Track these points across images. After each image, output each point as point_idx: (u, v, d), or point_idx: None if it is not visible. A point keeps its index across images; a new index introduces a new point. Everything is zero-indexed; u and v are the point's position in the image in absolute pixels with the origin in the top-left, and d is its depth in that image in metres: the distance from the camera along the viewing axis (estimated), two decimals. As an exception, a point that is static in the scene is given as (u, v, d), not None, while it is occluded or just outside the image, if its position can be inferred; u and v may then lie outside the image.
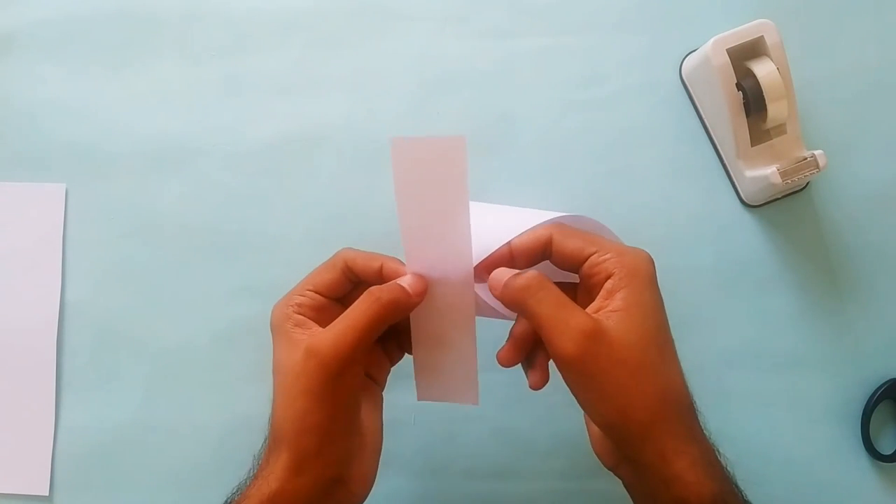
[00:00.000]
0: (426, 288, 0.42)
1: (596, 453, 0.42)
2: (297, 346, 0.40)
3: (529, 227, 0.42)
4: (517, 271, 0.41)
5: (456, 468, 0.53)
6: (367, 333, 0.40)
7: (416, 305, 0.42)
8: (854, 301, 0.53)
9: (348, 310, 0.40)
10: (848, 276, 0.53)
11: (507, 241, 0.42)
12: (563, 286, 0.44)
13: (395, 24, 0.55)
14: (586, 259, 0.40)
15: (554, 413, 0.53)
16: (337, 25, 0.55)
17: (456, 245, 0.40)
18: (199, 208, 0.54)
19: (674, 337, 0.40)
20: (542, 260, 0.42)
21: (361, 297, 0.40)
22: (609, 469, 0.42)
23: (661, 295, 0.40)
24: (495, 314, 0.44)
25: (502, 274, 0.41)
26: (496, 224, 0.43)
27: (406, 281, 0.41)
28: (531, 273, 0.40)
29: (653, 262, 0.40)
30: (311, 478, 0.39)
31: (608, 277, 0.39)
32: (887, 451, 0.52)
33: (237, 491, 0.41)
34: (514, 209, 0.46)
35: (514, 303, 0.40)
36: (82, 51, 0.56)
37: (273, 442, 0.41)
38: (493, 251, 0.42)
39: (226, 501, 0.41)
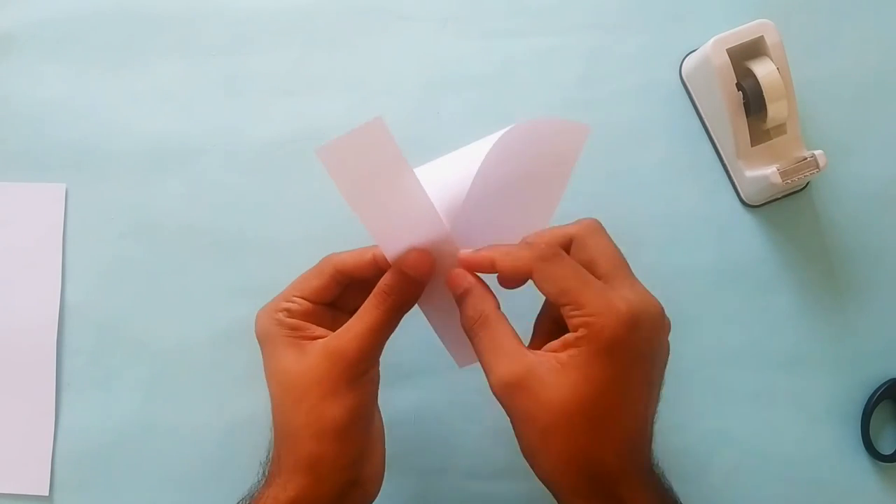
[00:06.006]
0: (430, 262, 0.40)
1: None
2: (307, 350, 0.40)
3: (481, 159, 0.40)
4: (473, 279, 0.40)
5: (456, 468, 0.53)
6: (386, 330, 0.40)
7: (425, 282, 0.41)
8: (854, 301, 0.53)
9: (363, 308, 0.40)
10: (848, 276, 0.53)
11: (469, 180, 0.40)
12: None
13: (395, 24, 0.55)
14: (560, 307, 0.38)
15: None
16: (337, 25, 0.55)
17: (422, 215, 0.40)
18: (199, 208, 0.54)
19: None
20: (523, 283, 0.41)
21: (374, 294, 0.40)
22: None
23: (624, 365, 0.37)
24: None
25: (458, 280, 0.40)
26: (453, 174, 0.42)
27: (409, 265, 0.40)
28: (474, 304, 0.39)
29: (629, 328, 0.36)
30: (329, 484, 0.39)
31: (574, 330, 0.37)
32: (887, 451, 0.52)
33: (245, 499, 0.41)
34: (459, 152, 0.44)
35: (461, 323, 0.40)
36: (82, 51, 0.56)
37: (285, 449, 0.40)
38: (459, 203, 0.40)
39: None
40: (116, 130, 0.55)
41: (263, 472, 0.42)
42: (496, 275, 0.41)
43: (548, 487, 0.38)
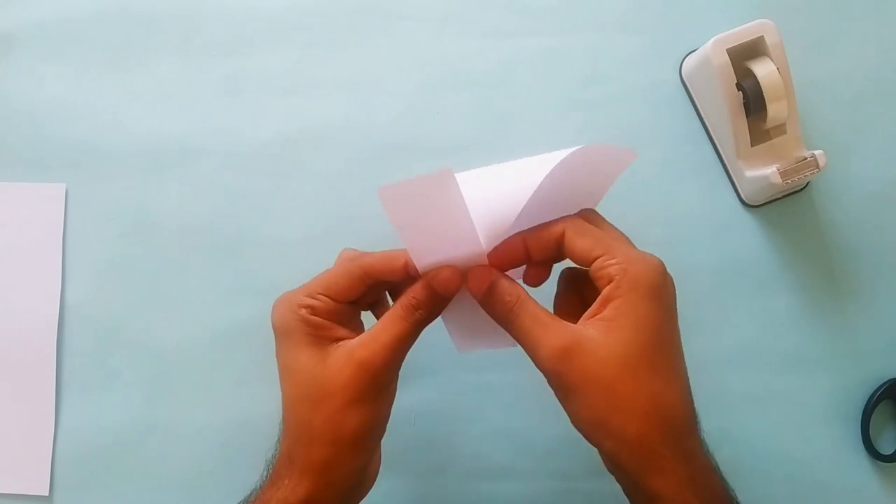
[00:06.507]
0: (461, 280, 0.40)
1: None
2: (328, 353, 0.40)
3: (535, 180, 0.40)
4: (497, 272, 0.40)
5: (456, 468, 0.53)
6: (409, 341, 0.40)
7: (452, 297, 0.41)
8: (854, 301, 0.53)
9: (388, 319, 0.40)
10: (848, 276, 0.53)
11: (517, 203, 0.40)
12: (578, 278, 0.43)
13: (395, 24, 0.55)
14: (593, 261, 0.38)
15: (554, 413, 0.52)
16: (337, 25, 0.55)
17: (462, 237, 0.39)
18: (199, 208, 0.54)
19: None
20: (557, 256, 0.41)
21: (401, 305, 0.40)
22: (610, 472, 0.42)
23: (666, 308, 0.38)
24: None
25: (483, 274, 0.40)
26: (498, 193, 0.41)
27: (440, 282, 0.40)
28: (507, 289, 0.39)
29: (663, 274, 0.38)
30: (339, 488, 0.39)
31: (609, 283, 0.38)
32: (887, 451, 0.52)
33: (250, 497, 0.41)
34: (506, 167, 0.43)
35: (492, 315, 0.40)
36: (82, 51, 0.56)
37: (298, 450, 0.40)
38: (505, 228, 0.40)
39: None
40: (116, 130, 0.55)
41: (268, 469, 0.42)
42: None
43: (616, 462, 0.37)
